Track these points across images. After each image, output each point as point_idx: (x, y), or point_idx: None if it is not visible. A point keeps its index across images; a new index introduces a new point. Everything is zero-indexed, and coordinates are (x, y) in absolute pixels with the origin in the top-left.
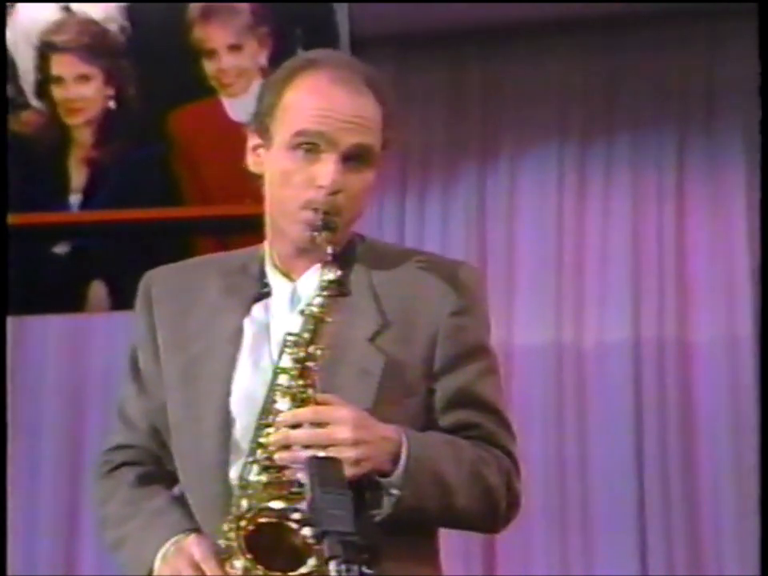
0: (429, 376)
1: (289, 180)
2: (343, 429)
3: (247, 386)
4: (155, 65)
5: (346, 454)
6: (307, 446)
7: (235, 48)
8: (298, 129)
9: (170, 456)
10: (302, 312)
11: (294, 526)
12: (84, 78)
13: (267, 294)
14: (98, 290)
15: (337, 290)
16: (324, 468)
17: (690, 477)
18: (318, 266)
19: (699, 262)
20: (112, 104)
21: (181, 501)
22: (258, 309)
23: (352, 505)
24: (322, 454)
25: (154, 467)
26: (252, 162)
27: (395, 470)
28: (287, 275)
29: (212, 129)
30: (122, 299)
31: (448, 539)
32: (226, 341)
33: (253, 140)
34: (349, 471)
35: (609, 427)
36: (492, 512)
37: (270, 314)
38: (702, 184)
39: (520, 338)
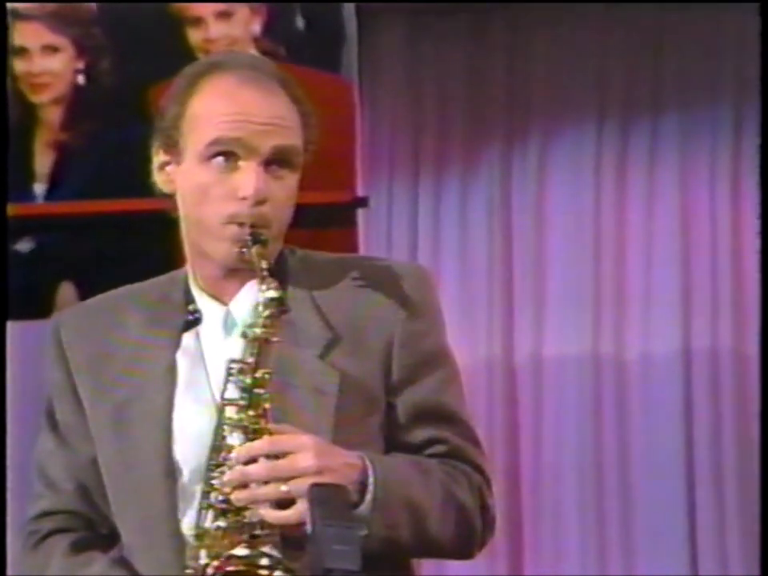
0: (387, 389)
1: (206, 195)
2: (305, 456)
3: (190, 424)
4: (132, 34)
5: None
6: (266, 482)
7: (224, 15)
8: (212, 138)
9: (103, 518)
10: (243, 335)
11: (264, 573)
12: (51, 50)
13: (197, 321)
14: (66, 294)
15: (279, 308)
16: (326, 497)
17: (748, 507)
18: (251, 284)
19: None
20: (82, 79)
21: (122, 563)
22: (188, 339)
23: (360, 539)
24: (285, 487)
25: (87, 532)
26: (161, 182)
27: (363, 499)
28: (217, 298)
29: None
30: None
31: None
32: (158, 379)
33: (159, 157)
34: None
35: (655, 449)
36: (468, 534)
37: (203, 342)
38: None
39: (551, 348)
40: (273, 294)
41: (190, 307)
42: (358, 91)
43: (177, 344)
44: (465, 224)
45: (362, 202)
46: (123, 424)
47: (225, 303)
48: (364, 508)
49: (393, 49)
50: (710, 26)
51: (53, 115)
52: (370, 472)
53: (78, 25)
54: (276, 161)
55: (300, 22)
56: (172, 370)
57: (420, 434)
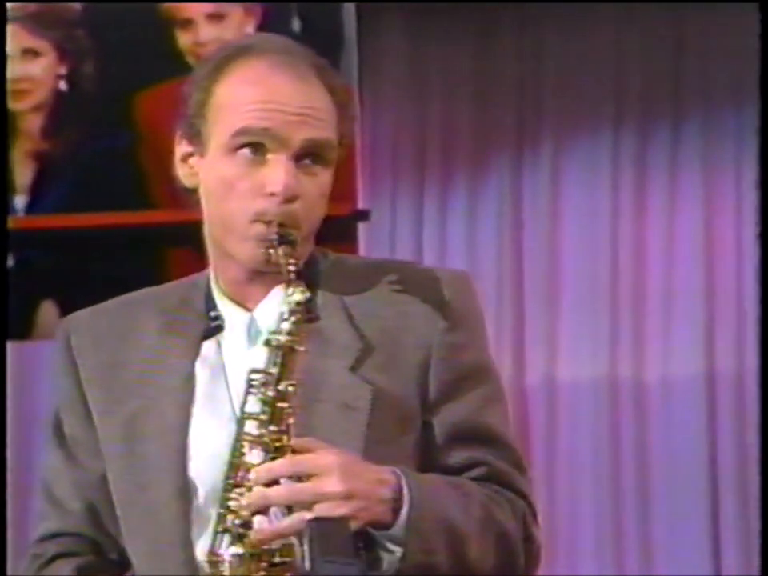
0: (424, 407)
1: (232, 190)
2: (331, 479)
3: (208, 441)
4: (118, 37)
5: (338, 510)
6: (288, 507)
7: (216, 17)
8: (238, 127)
9: (112, 541)
10: (267, 342)
11: None
12: (31, 54)
13: (218, 329)
14: (47, 313)
15: (307, 314)
16: (326, 531)
17: None
18: (278, 289)
19: None
20: (65, 85)
21: None
22: (208, 347)
23: (359, 572)
24: (308, 515)
25: (94, 557)
26: (183, 175)
27: (397, 520)
28: (241, 304)
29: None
30: None
31: None
32: (174, 390)
33: (182, 148)
34: None
35: (677, 479)
36: (509, 563)
37: (224, 351)
38: None
39: (565, 371)
40: (299, 297)
41: (212, 313)
42: (358, 96)
43: (196, 353)
44: (472, 238)
45: (363, 215)
46: (134, 439)
47: (249, 310)
48: (398, 528)
49: (395, 51)
50: (733, 25)
51: (33, 124)
52: (405, 488)
53: (59, 27)
54: (308, 155)
55: (296, 24)
56: (189, 380)
57: (459, 456)
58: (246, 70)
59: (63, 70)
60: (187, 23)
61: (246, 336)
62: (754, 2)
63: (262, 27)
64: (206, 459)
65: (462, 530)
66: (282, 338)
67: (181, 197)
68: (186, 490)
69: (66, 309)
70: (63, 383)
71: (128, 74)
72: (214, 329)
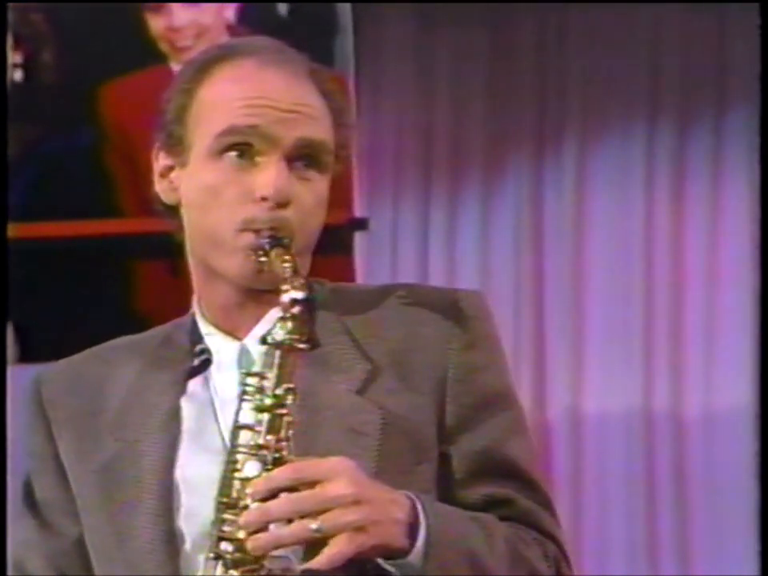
0: (441, 435)
1: (217, 198)
2: (338, 483)
3: (196, 479)
4: (81, 21)
5: (348, 517)
6: (290, 520)
7: None
8: (224, 127)
9: None
10: (263, 341)
11: None
12: None
13: (206, 364)
14: None
15: (306, 309)
16: None
17: None
18: (273, 313)
19: None
20: (20, 75)
21: None
22: (194, 383)
23: None
24: (314, 525)
25: None
26: (162, 191)
27: (413, 546)
28: (230, 333)
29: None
30: (34, 348)
31: None
32: (156, 428)
33: (160, 162)
34: (350, 545)
35: (720, 526)
36: None
37: (212, 386)
38: None
39: (593, 404)
40: (296, 295)
41: (197, 348)
42: (355, 90)
43: (181, 389)
44: (486, 252)
45: (361, 224)
46: (113, 486)
47: (239, 339)
48: (415, 556)
49: (397, 38)
50: None
51: None
52: (421, 513)
53: (14, 10)
54: (302, 157)
55: (283, 8)
56: (174, 418)
57: (480, 492)
58: (232, 69)
59: (18, 59)
60: (160, 6)
61: (236, 367)
62: (753, 2)
63: (243, 11)
64: (194, 499)
65: (488, 564)
66: (280, 335)
67: (150, 203)
68: (172, 534)
69: (22, 332)
70: (34, 442)
71: (92, 63)
72: (200, 365)
